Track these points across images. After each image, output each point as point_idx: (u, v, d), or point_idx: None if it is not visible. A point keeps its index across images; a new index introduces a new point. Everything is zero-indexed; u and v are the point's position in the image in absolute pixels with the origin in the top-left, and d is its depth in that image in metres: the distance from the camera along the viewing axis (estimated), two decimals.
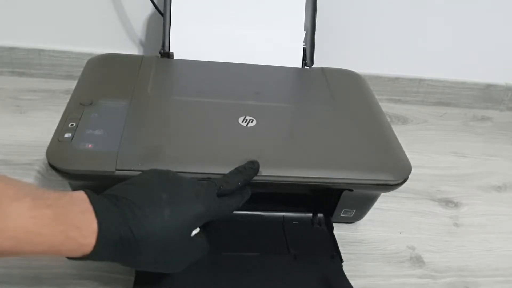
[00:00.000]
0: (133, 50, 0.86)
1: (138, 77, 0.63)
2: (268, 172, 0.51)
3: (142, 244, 0.40)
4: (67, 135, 0.51)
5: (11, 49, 0.83)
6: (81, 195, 0.40)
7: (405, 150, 0.57)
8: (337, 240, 0.58)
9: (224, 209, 0.46)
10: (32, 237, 0.36)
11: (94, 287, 0.51)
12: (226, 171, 0.49)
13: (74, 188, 0.55)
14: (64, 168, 0.48)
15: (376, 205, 0.61)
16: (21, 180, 0.38)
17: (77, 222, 0.37)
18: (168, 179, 0.44)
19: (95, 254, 0.39)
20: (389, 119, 0.65)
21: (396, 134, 0.60)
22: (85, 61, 0.66)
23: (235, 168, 0.49)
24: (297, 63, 0.73)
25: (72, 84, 0.62)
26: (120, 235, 0.39)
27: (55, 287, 0.51)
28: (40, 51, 0.84)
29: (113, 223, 0.39)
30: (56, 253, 0.38)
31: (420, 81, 0.93)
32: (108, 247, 0.39)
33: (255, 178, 0.50)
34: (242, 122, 0.57)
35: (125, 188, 0.42)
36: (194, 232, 0.45)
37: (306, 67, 0.74)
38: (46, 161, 0.49)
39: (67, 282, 0.51)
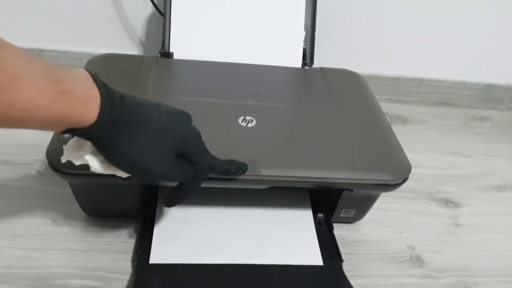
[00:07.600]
0: (133, 50, 0.86)
1: (138, 77, 0.63)
2: (268, 172, 0.51)
3: (138, 127, 0.40)
4: (67, 135, 0.50)
5: None
6: (84, 72, 0.39)
7: (405, 150, 0.57)
8: (337, 240, 0.58)
9: (203, 154, 0.47)
10: (40, 110, 0.35)
11: (94, 287, 0.52)
12: None
13: (74, 188, 0.55)
14: (64, 168, 0.48)
15: (376, 205, 0.61)
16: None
17: (83, 97, 0.37)
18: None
19: (94, 128, 0.38)
20: (389, 119, 0.65)
21: (396, 134, 0.60)
22: (85, 61, 0.66)
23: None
24: (297, 63, 0.73)
25: None
26: (118, 114, 0.39)
27: (55, 287, 0.51)
28: (40, 51, 0.84)
29: (113, 99, 0.39)
30: (61, 124, 0.37)
31: (420, 81, 0.93)
32: (106, 122, 0.39)
33: (255, 177, 0.50)
34: (242, 122, 0.57)
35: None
36: None
37: (306, 67, 0.74)
38: (46, 161, 0.49)
39: (67, 282, 0.51)
